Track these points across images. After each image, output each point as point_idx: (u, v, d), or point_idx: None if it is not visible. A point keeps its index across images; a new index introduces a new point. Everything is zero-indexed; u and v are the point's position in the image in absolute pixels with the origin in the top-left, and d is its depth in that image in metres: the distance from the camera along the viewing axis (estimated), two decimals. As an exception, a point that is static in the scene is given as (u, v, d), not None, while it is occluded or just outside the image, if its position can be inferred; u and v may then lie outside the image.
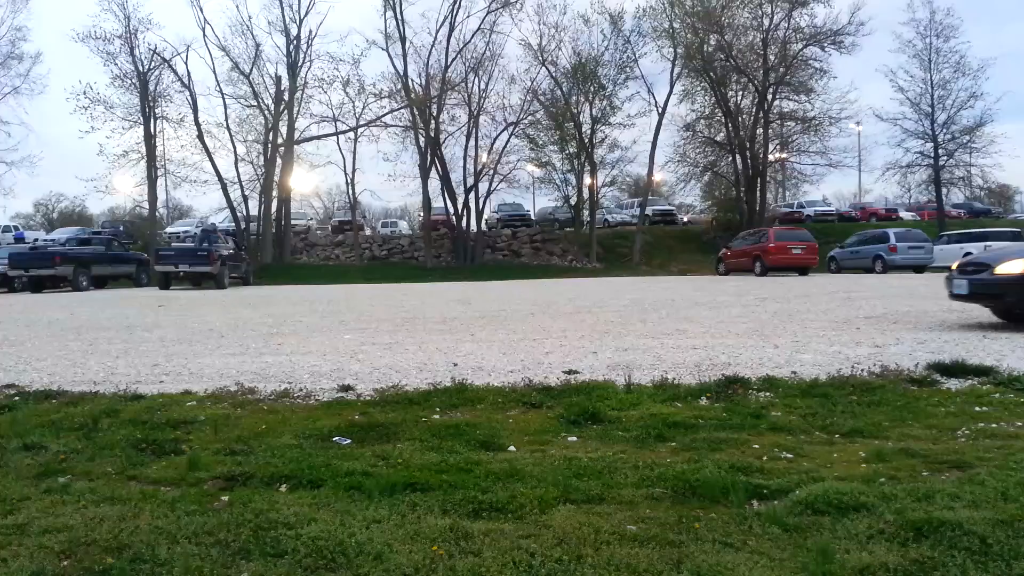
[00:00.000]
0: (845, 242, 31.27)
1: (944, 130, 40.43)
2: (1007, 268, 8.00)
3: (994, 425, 4.17)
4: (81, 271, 25.57)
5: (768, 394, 5.08)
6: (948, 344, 7.11)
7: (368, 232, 51.24)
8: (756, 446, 3.87)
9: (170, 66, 39.38)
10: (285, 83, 39.91)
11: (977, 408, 4.58)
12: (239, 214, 41.57)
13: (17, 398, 5.52)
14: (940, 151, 40.49)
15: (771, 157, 43.41)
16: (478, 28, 39.92)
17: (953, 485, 3.12)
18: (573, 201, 46.06)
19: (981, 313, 9.54)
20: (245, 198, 41.81)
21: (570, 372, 6.07)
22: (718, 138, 43.18)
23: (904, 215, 49.41)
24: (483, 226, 44.61)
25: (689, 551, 2.57)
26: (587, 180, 44.00)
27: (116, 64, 38.90)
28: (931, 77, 40.27)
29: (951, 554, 2.48)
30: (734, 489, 3.11)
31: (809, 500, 2.96)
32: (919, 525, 2.68)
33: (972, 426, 4.16)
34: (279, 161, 40.21)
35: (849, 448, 3.82)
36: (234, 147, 40.73)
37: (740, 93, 42.84)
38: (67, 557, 2.65)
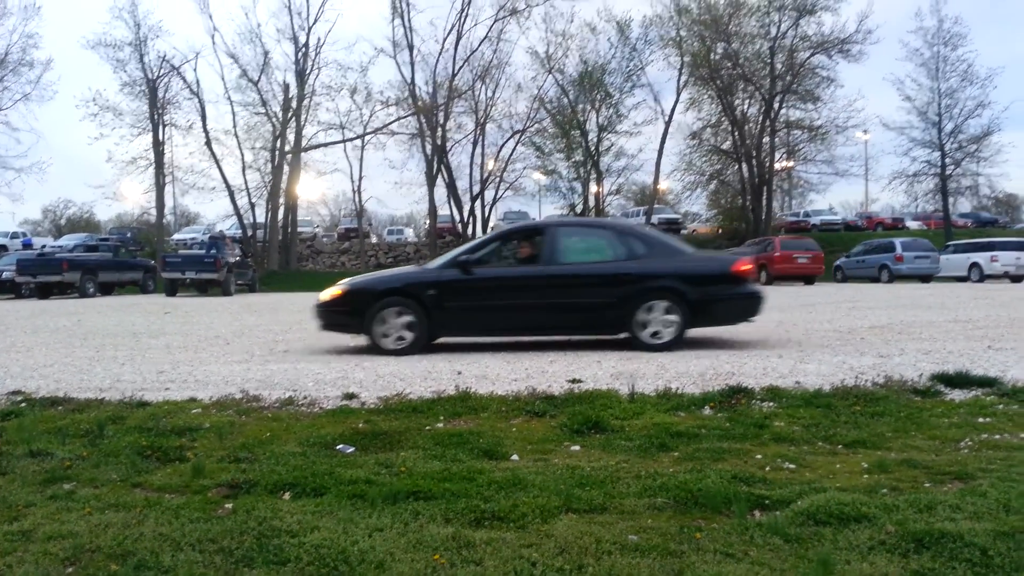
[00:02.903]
0: (851, 251, 31.18)
1: (951, 139, 40.41)
2: (323, 295, 8.88)
3: (997, 436, 4.17)
4: (88, 277, 25.65)
5: (771, 404, 5.08)
6: (952, 355, 7.10)
7: (374, 239, 51.31)
8: (759, 456, 3.88)
9: (179, 73, 39.67)
10: (293, 90, 40.12)
11: (980, 419, 4.56)
12: (246, 221, 41.71)
13: (23, 404, 5.55)
14: (947, 160, 40.44)
15: (777, 166, 43.41)
16: (485, 36, 40.18)
17: (955, 496, 3.12)
18: (579, 209, 46.10)
19: (987, 323, 9.49)
20: (252, 205, 41.96)
21: (574, 381, 6.07)
22: (724, 146, 43.23)
23: (911, 224, 49.28)
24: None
25: (690, 561, 2.58)
26: (593, 188, 44.13)
27: (125, 71, 39.24)
28: (938, 86, 40.28)
29: (952, 566, 2.49)
30: (736, 499, 3.12)
31: (811, 511, 2.96)
32: (920, 536, 2.69)
33: (975, 437, 4.15)
34: (286, 168, 40.35)
35: (851, 459, 3.82)
36: (242, 154, 40.96)
37: (747, 101, 42.92)
38: (72, 564, 2.67)
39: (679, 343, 8.13)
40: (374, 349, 8.32)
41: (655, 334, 8.15)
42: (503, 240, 9.45)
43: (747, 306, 8.50)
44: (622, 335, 8.36)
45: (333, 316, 8.73)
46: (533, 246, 8.83)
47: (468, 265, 8.53)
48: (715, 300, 8.36)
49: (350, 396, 5.63)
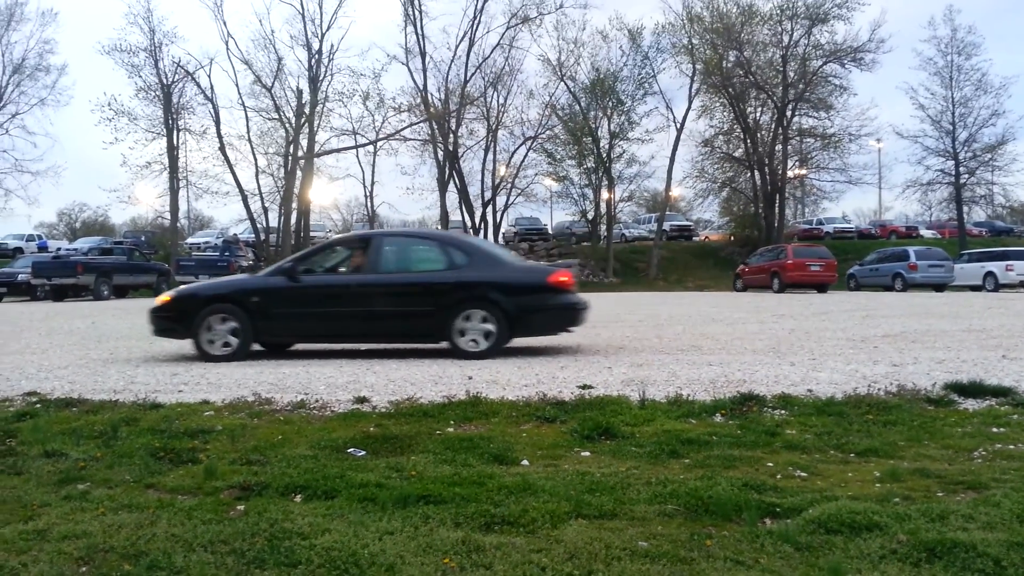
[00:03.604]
0: (864, 259, 31.03)
1: (965, 148, 40.25)
2: (156, 301, 9.16)
3: (1011, 446, 4.14)
4: (103, 280, 25.85)
5: (783, 412, 5.06)
6: (966, 364, 7.06)
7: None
8: (770, 464, 3.86)
9: (193, 79, 39.95)
10: (306, 96, 40.29)
11: (994, 429, 4.53)
12: (259, 225, 41.92)
13: (39, 405, 5.60)
14: (961, 169, 40.27)
15: (790, 174, 43.25)
16: (497, 43, 40.36)
17: (968, 506, 3.11)
18: (590, 215, 46.09)
19: (1002, 333, 9.43)
20: (265, 210, 42.18)
21: (584, 387, 6.07)
22: (736, 154, 43.13)
23: (924, 233, 49.02)
24: (500, 240, 44.71)
25: (700, 568, 2.57)
26: (604, 195, 44.08)
27: (140, 76, 39.57)
28: (952, 95, 40.18)
29: (964, 576, 2.47)
30: (747, 507, 3.11)
31: (822, 519, 2.95)
32: (932, 546, 2.67)
33: (989, 447, 4.12)
34: (299, 173, 40.51)
35: (863, 467, 3.80)
36: (255, 159, 41.19)
37: (759, 109, 42.81)
38: (85, 563, 2.69)
39: (497, 351, 8.28)
40: (202, 356, 8.47)
41: (473, 342, 8.33)
42: (330, 249, 9.77)
43: (565, 316, 8.74)
44: (443, 343, 8.55)
45: (163, 322, 8.94)
46: (359, 255, 9.06)
47: (294, 272, 8.77)
48: (532, 310, 8.55)
49: (361, 400, 5.65)
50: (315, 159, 40.96)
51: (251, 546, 2.80)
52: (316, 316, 8.69)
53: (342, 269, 9.27)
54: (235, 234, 39.12)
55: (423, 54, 40.21)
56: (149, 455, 4.12)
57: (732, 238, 45.58)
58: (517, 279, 8.77)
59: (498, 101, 41.45)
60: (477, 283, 8.49)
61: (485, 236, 42.55)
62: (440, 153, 40.50)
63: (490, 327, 8.31)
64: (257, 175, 41.18)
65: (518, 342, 8.93)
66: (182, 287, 9.73)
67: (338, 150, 41.84)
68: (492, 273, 8.64)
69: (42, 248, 42.80)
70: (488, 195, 42.41)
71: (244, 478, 3.66)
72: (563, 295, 8.64)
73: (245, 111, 40.65)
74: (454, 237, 9.72)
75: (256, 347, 8.84)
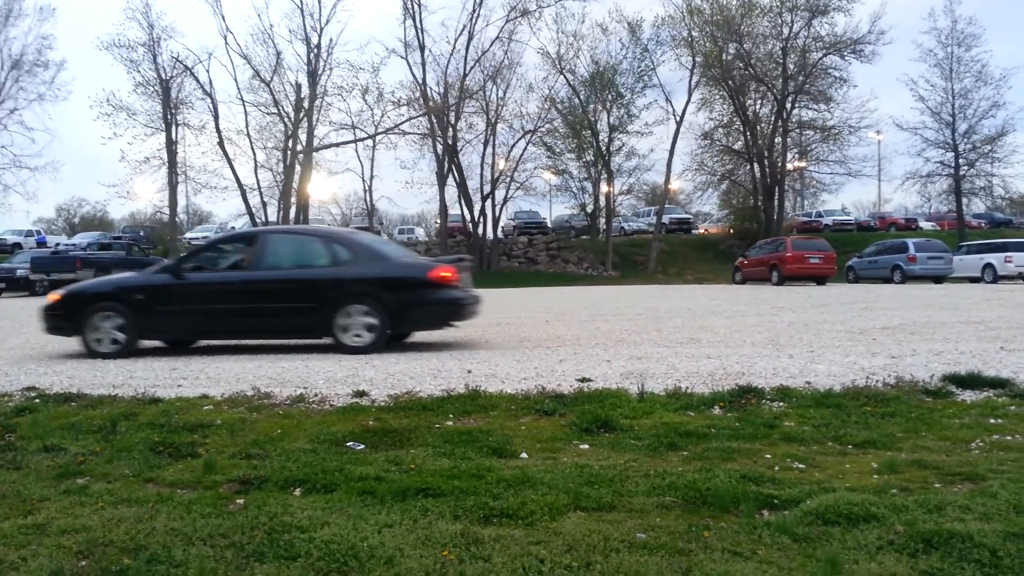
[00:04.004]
0: (863, 252, 31.00)
1: (965, 140, 40.23)
2: (47, 298, 9.25)
3: (1009, 438, 4.14)
4: (101, 275, 25.80)
5: (781, 404, 5.06)
6: (964, 356, 7.06)
7: (385, 238, 51.42)
8: (768, 456, 3.87)
9: (192, 74, 39.89)
10: (305, 91, 40.22)
11: (992, 420, 4.54)
12: (258, 220, 41.87)
13: (38, 400, 5.61)
14: (961, 161, 40.24)
15: (789, 166, 43.26)
16: (496, 37, 40.18)
17: (965, 497, 3.11)
18: (589, 209, 46.08)
19: (1000, 324, 9.44)
20: (264, 204, 42.15)
21: (583, 380, 6.08)
22: (736, 147, 43.13)
23: (924, 225, 49.02)
24: (499, 233, 44.73)
25: (698, 560, 2.58)
26: (604, 188, 44.10)
27: (139, 71, 39.51)
28: (952, 86, 40.13)
29: (961, 566, 2.48)
30: (745, 499, 3.12)
31: (819, 510, 2.96)
32: (929, 537, 2.68)
33: (986, 438, 4.13)
34: (298, 168, 40.49)
35: (861, 459, 3.81)
36: (254, 154, 41.16)
37: (759, 102, 42.82)
38: (85, 557, 2.70)
39: (380, 346, 8.37)
40: (89, 353, 8.51)
41: (356, 337, 8.42)
42: (217, 247, 9.91)
43: (447, 311, 8.84)
44: (326, 339, 8.60)
45: (53, 320, 9.02)
46: (244, 253, 9.16)
47: (179, 270, 8.89)
48: (413, 305, 8.67)
49: (360, 394, 5.66)
50: (314, 153, 40.92)
51: (250, 540, 2.80)
52: (200, 313, 8.77)
53: (229, 267, 9.32)
54: (232, 227, 39.02)
55: (422, 48, 40.13)
56: (148, 449, 4.13)
57: (731, 231, 45.62)
58: (398, 274, 8.83)
59: (497, 95, 41.39)
60: (358, 279, 8.60)
61: (484, 230, 42.59)
62: (439, 147, 40.44)
63: (372, 322, 8.41)
64: (256, 170, 41.22)
65: (518, 341, 8.94)
66: (72, 285, 9.78)
67: (337, 144, 41.78)
68: (373, 269, 8.73)
69: (41, 243, 42.75)
70: (487, 189, 42.34)
71: (243, 472, 3.67)
72: (445, 290, 8.67)
73: (244, 106, 40.67)
74: (338, 233, 9.80)
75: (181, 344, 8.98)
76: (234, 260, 9.32)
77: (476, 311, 9.36)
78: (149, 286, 8.88)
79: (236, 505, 3.23)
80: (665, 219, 45.36)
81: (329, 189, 49.99)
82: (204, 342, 9.62)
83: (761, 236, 35.98)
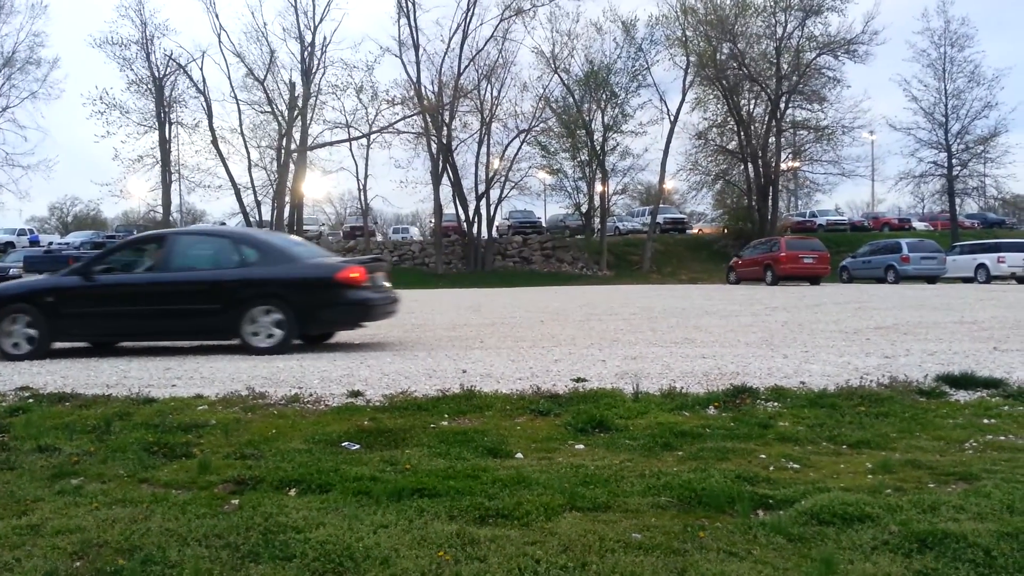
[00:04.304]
0: (857, 252, 31.08)
1: (958, 140, 40.32)
2: None
3: (1002, 437, 4.16)
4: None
5: (776, 404, 5.07)
6: (958, 356, 7.09)
7: (379, 238, 51.39)
8: (763, 456, 3.88)
9: (185, 72, 39.84)
10: (299, 89, 40.16)
11: (985, 420, 4.56)
12: (252, 219, 41.81)
13: (31, 400, 5.59)
14: (954, 161, 40.35)
15: (783, 166, 43.31)
16: (491, 36, 40.17)
17: (959, 497, 3.12)
18: (584, 208, 46.09)
19: (993, 324, 9.47)
20: (258, 203, 42.13)
21: (578, 380, 6.08)
22: (730, 147, 43.16)
23: (917, 225, 49.14)
24: (494, 233, 44.70)
25: (693, 560, 2.59)
26: (598, 188, 44.11)
27: (132, 69, 39.49)
28: (945, 87, 40.22)
29: (955, 566, 2.49)
30: (740, 499, 3.13)
31: (814, 510, 2.97)
32: (924, 536, 2.69)
33: (980, 438, 4.15)
34: (292, 167, 40.43)
35: (856, 459, 3.82)
36: (248, 152, 41.15)
37: (752, 102, 42.84)
38: (80, 558, 2.69)
39: (287, 347, 8.41)
40: (2, 355, 8.53)
41: (263, 338, 8.45)
42: (128, 248, 9.89)
43: (355, 312, 8.86)
44: (234, 340, 8.62)
45: None
46: (154, 254, 9.18)
47: (89, 272, 8.87)
48: (320, 306, 8.71)
49: (355, 394, 5.65)
50: (308, 152, 40.84)
51: (245, 540, 2.80)
52: (109, 315, 8.77)
53: (137, 268, 9.32)
54: (222, 223, 38.83)
55: (416, 46, 40.09)
56: (143, 449, 4.11)
57: (725, 231, 45.64)
58: (304, 275, 8.83)
59: (492, 94, 41.37)
60: (264, 280, 8.62)
61: (479, 229, 42.57)
62: (434, 146, 40.39)
63: (279, 323, 8.44)
64: (250, 168, 41.22)
65: (513, 341, 8.94)
66: None
67: (331, 143, 41.71)
68: (280, 270, 8.74)
69: (34, 242, 42.62)
70: (482, 188, 42.32)
71: (238, 472, 3.66)
72: (353, 291, 8.67)
73: (237, 104, 40.65)
74: (246, 234, 9.82)
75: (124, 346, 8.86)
76: (144, 262, 9.32)
77: (390, 311, 9.41)
78: (59, 288, 8.89)
79: (231, 505, 3.22)
80: (660, 219, 45.38)
81: (323, 188, 50.10)
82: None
83: (755, 236, 36.02)
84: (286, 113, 40.41)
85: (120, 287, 8.92)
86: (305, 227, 44.82)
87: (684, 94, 41.53)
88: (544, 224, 51.45)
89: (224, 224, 40.16)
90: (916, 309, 13.36)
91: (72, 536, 2.86)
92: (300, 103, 39.91)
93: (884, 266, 28.03)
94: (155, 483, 3.60)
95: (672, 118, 41.85)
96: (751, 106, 42.98)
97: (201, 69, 41.08)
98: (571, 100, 41.98)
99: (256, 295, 8.51)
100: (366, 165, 41.94)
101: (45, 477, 3.68)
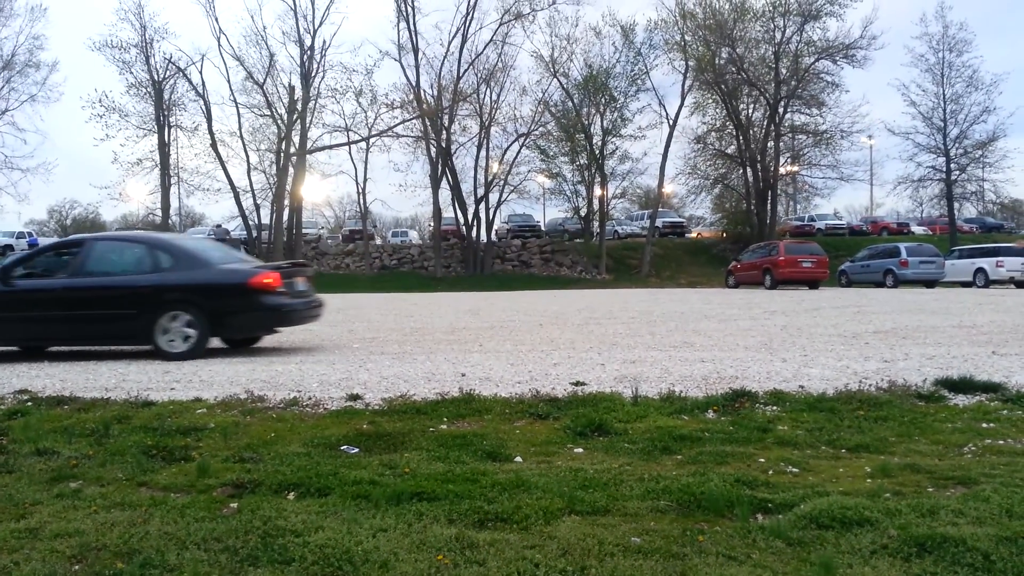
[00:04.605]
0: (856, 256, 31.13)
1: (956, 144, 40.42)
2: None
3: (1001, 442, 4.16)
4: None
5: (775, 408, 5.08)
6: (957, 360, 7.10)
7: (378, 241, 51.38)
8: (762, 460, 3.88)
9: (185, 75, 39.87)
10: (298, 93, 40.18)
11: (984, 424, 4.56)
12: (251, 222, 41.83)
13: (30, 403, 5.58)
14: (952, 165, 40.44)
15: (782, 170, 43.35)
16: (490, 40, 40.23)
17: (958, 501, 3.13)
18: (583, 212, 46.10)
19: (992, 329, 9.48)
20: (257, 207, 42.13)
21: (577, 384, 6.08)
22: (729, 151, 43.22)
23: (916, 229, 49.21)
24: (493, 236, 44.70)
25: (692, 564, 2.59)
26: (597, 191, 44.10)
27: (131, 73, 39.52)
28: (943, 91, 40.35)
29: (954, 570, 2.49)
30: (739, 503, 3.13)
31: (813, 514, 2.97)
32: (923, 541, 2.69)
33: (979, 442, 4.15)
34: (291, 170, 40.44)
35: (855, 463, 3.82)
36: (247, 156, 41.14)
37: (751, 106, 42.91)
38: (78, 562, 2.69)
39: (199, 352, 8.42)
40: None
41: (175, 343, 8.47)
42: (47, 253, 9.83)
43: (267, 318, 8.90)
44: (148, 346, 8.62)
45: None
46: (71, 259, 9.14)
47: (7, 277, 8.87)
48: (232, 311, 8.74)
49: (354, 397, 5.65)
50: (307, 156, 40.88)
51: (244, 544, 2.79)
52: (26, 320, 8.77)
53: (54, 273, 9.24)
54: (218, 224, 38.65)
55: (416, 50, 40.12)
56: (141, 453, 4.11)
57: (724, 235, 45.67)
58: (217, 281, 8.83)
59: (491, 98, 41.39)
60: (176, 286, 8.65)
61: (478, 233, 42.56)
62: (433, 150, 40.41)
63: (191, 329, 8.47)
64: (249, 172, 41.21)
65: (512, 344, 8.94)
66: None
67: (330, 147, 41.77)
68: (193, 275, 8.75)
69: (32, 245, 42.48)
70: (481, 192, 42.34)
71: (237, 476, 3.65)
72: (266, 296, 8.68)
73: (237, 107, 40.68)
74: (161, 240, 9.76)
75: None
76: (61, 266, 9.27)
77: (312, 316, 9.49)
78: None
79: (230, 509, 3.22)
80: (659, 223, 45.41)
81: (323, 191, 50.04)
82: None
83: (754, 240, 36.05)
84: (285, 117, 40.45)
85: (37, 292, 8.90)
86: (304, 231, 44.83)
87: (683, 98, 41.62)
88: (543, 228, 51.46)
89: (219, 227, 40.10)
90: (915, 313, 13.37)
91: (71, 540, 2.86)
92: (299, 107, 39.94)
93: (883, 270, 28.08)
94: (154, 486, 3.60)
95: (671, 122, 41.92)
96: (750, 110, 43.07)
97: (200, 72, 41.16)
98: (570, 104, 42.01)
99: (169, 301, 8.56)
100: (365, 169, 42.03)
101: (44, 480, 3.67)
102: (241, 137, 40.83)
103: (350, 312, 16.93)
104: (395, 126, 40.39)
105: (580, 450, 4.18)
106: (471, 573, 2.53)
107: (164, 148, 40.31)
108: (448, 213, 44.14)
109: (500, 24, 39.78)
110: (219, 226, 35.49)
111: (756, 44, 41.09)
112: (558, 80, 41.38)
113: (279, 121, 40.66)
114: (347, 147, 41.71)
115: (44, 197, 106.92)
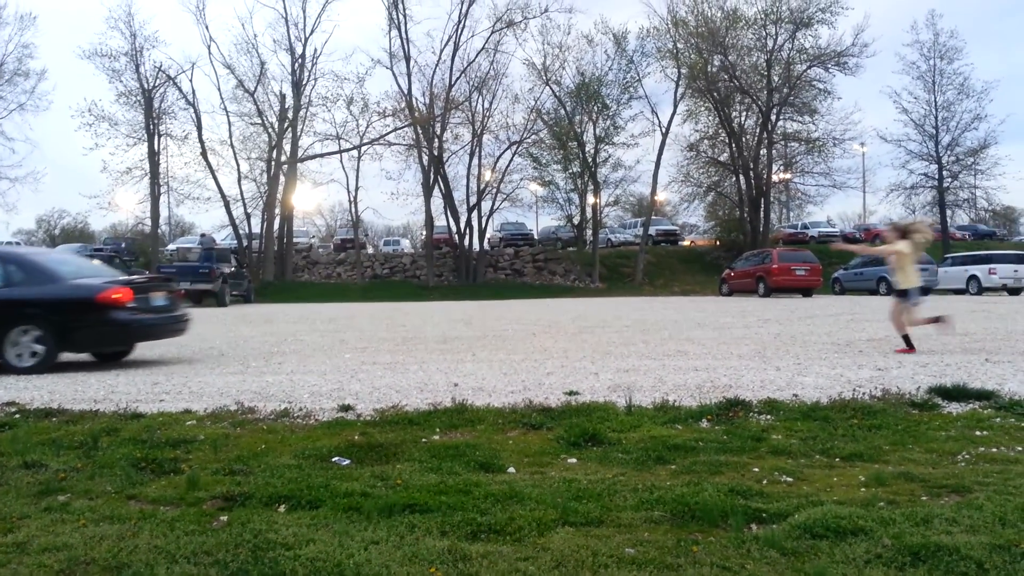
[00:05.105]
0: (849, 264, 31.21)
1: (948, 152, 40.70)
2: None
3: (994, 450, 4.17)
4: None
5: (769, 417, 5.07)
6: (950, 368, 7.11)
7: (370, 250, 51.31)
8: (756, 469, 3.87)
9: (175, 84, 39.72)
10: (289, 101, 40.19)
11: (978, 432, 4.56)
12: (241, 231, 41.68)
13: (17, 416, 5.53)
14: (944, 173, 40.69)
15: (775, 178, 43.48)
16: (482, 48, 40.28)
17: (951, 510, 3.12)
18: (576, 220, 46.14)
19: (985, 336, 9.49)
20: (248, 215, 41.99)
21: (571, 393, 6.07)
22: (722, 158, 43.32)
23: (908, 237, 49.19)
24: (485, 245, 44.68)
25: (687, 574, 2.57)
26: (590, 199, 44.18)
27: (121, 81, 39.28)
28: (935, 99, 40.61)
29: (949, 580, 2.48)
30: (733, 513, 3.11)
31: (808, 524, 2.96)
32: (917, 550, 2.68)
33: (972, 450, 4.15)
34: (282, 179, 40.36)
35: (849, 472, 3.82)
36: (237, 164, 41.02)
37: (744, 113, 43.06)
38: (66, 576, 2.65)
39: (47, 366, 8.37)
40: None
41: (24, 358, 8.41)
42: None
43: (115, 334, 8.89)
44: None
45: None
46: None
47: None
48: (79, 327, 8.70)
49: (346, 408, 5.61)
50: (298, 164, 40.81)
51: (235, 557, 2.76)
52: None
53: None
54: (211, 236, 38.42)
55: (407, 58, 40.11)
56: (130, 465, 4.07)
57: (718, 242, 45.77)
58: (64, 296, 8.77)
59: (483, 105, 41.41)
60: (23, 300, 8.59)
61: (470, 241, 42.56)
62: (425, 158, 40.40)
63: (39, 345, 8.43)
64: (239, 180, 41.06)
65: (504, 354, 8.92)
66: None
67: (322, 155, 41.68)
68: (41, 290, 8.71)
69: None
70: (473, 200, 42.32)
71: (227, 488, 3.62)
72: (115, 312, 8.62)
73: (227, 116, 40.60)
74: (10, 253, 9.59)
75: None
76: None
77: (173, 330, 9.53)
78: None
79: (220, 522, 3.18)
80: (652, 231, 45.48)
81: (313, 200, 49.91)
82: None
83: (747, 248, 36.17)
84: (276, 125, 40.40)
85: None
86: (295, 239, 44.73)
87: (675, 106, 41.75)
88: (536, 236, 51.46)
89: (206, 236, 39.90)
90: (907, 320, 13.37)
91: (59, 554, 2.82)
92: (290, 115, 39.93)
93: (876, 278, 28.11)
94: (143, 499, 3.56)
95: (664, 130, 42.02)
96: (742, 118, 43.21)
97: (191, 81, 41.46)
98: (563, 112, 42.10)
99: (16, 316, 8.51)
100: (357, 177, 41.89)
101: (31, 494, 3.63)
102: (232, 146, 40.77)
103: (341, 322, 16.88)
104: (387, 134, 40.37)
105: (574, 460, 4.16)
106: (464, 586, 2.50)
107: (154, 157, 40.07)
108: (440, 221, 44.16)
109: (492, 32, 39.92)
110: (205, 235, 35.27)
111: (748, 52, 41.26)
112: (550, 88, 41.51)
113: (270, 129, 40.63)
114: (338, 155, 41.65)
115: (33, 206, 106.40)
